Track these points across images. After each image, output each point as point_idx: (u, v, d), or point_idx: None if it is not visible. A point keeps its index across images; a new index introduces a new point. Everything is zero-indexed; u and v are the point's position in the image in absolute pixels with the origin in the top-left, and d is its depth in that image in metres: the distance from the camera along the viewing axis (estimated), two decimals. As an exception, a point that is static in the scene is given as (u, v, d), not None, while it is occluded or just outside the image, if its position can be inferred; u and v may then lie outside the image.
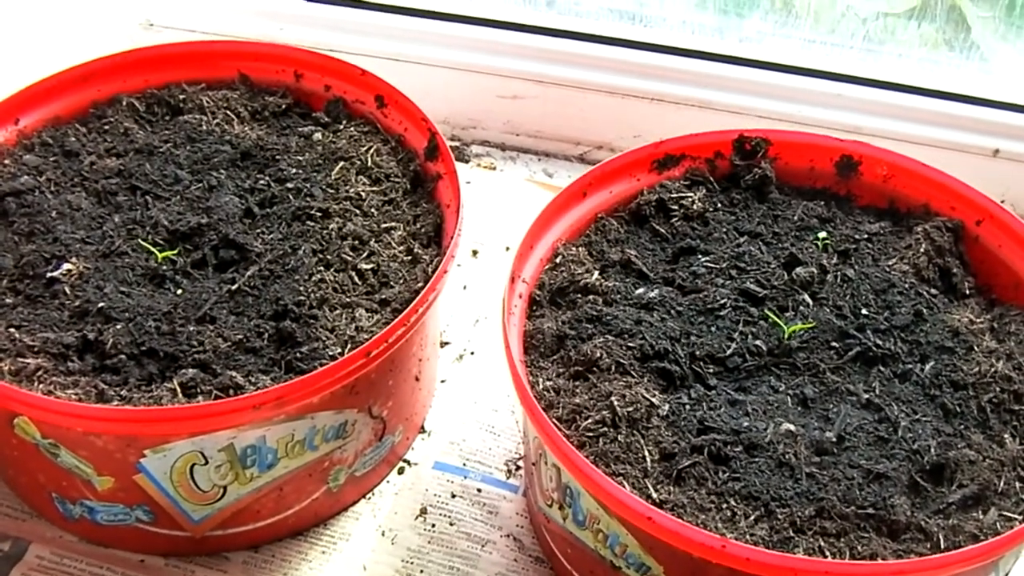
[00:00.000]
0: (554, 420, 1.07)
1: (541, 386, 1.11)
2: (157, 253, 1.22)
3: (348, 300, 1.20)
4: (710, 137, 1.34)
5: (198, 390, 1.10)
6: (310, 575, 1.21)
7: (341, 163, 1.35)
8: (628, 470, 1.03)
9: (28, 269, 1.20)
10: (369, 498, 1.28)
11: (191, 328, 1.15)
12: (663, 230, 1.28)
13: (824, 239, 1.26)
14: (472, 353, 1.45)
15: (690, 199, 1.29)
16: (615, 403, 1.07)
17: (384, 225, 1.29)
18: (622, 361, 1.12)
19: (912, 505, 1.02)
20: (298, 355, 1.13)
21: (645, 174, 1.33)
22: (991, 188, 1.31)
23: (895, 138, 1.57)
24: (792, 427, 1.07)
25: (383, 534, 1.25)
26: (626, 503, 0.97)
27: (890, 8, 1.64)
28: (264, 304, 1.19)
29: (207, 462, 1.10)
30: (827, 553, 0.98)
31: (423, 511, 1.27)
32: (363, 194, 1.31)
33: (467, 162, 1.75)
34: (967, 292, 1.23)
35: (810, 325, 1.16)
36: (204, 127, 1.39)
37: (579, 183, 1.28)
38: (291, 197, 1.30)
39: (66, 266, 1.20)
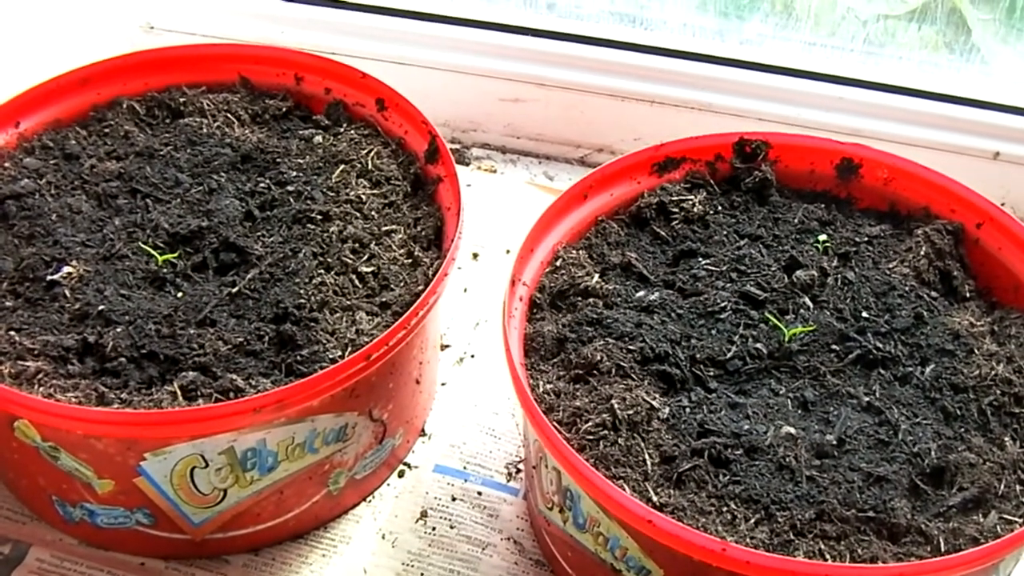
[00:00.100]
0: (554, 423, 1.07)
1: (541, 389, 1.11)
2: (157, 256, 1.22)
3: (348, 303, 1.20)
4: (710, 140, 1.34)
5: (198, 393, 1.10)
6: (310, 578, 1.21)
7: (341, 166, 1.35)
8: (628, 473, 1.03)
9: (28, 272, 1.20)
10: (369, 501, 1.28)
11: (191, 331, 1.15)
12: (663, 233, 1.28)
13: (824, 242, 1.26)
14: (472, 356, 1.45)
15: (690, 202, 1.29)
16: (615, 406, 1.07)
17: (384, 228, 1.29)
18: (622, 364, 1.12)
19: (912, 508, 1.02)
20: (298, 358, 1.13)
21: (645, 177, 1.33)
22: (991, 191, 1.31)
23: (895, 141, 1.57)
24: (792, 430, 1.07)
25: (383, 537, 1.25)
26: (626, 506, 0.97)
27: (890, 11, 1.64)
28: (264, 307, 1.19)
29: (207, 465, 1.10)
30: (827, 556, 0.98)
31: (423, 514, 1.27)
32: (363, 197, 1.31)
33: (467, 165, 1.75)
34: (967, 295, 1.23)
35: (810, 328, 1.16)
36: (204, 130, 1.39)
37: (580, 186, 1.28)
38: (291, 200, 1.30)
39: (66, 269, 1.20)
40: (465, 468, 1.32)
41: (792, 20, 1.68)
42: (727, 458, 1.05)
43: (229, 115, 1.42)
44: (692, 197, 1.30)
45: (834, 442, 1.06)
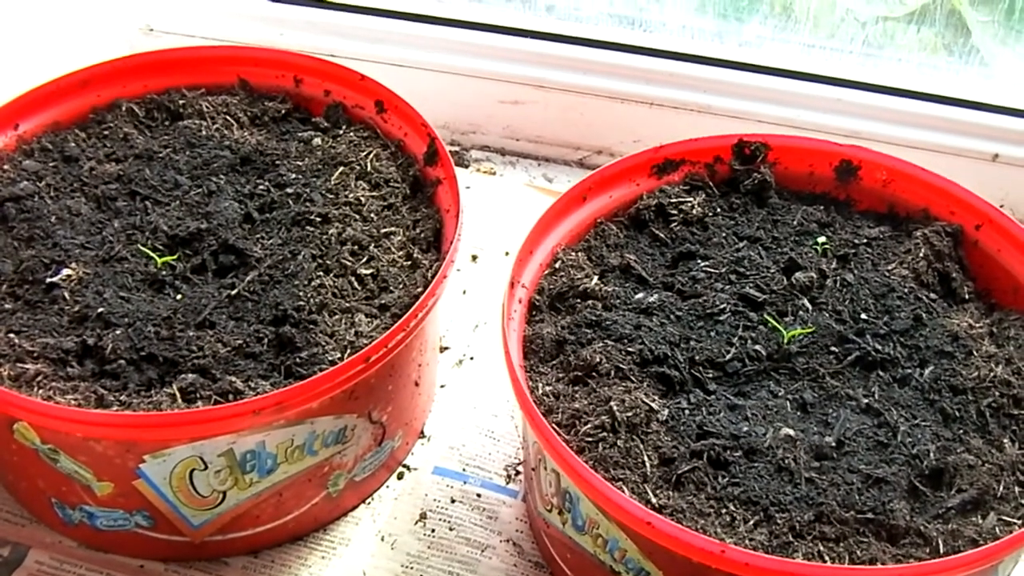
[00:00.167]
0: (553, 425, 1.07)
1: (540, 391, 1.11)
2: (157, 258, 1.22)
3: (348, 305, 1.20)
4: (710, 142, 1.34)
5: (198, 395, 1.10)
6: (310, 580, 1.21)
7: (341, 168, 1.35)
8: (627, 475, 1.03)
9: (27, 274, 1.20)
10: (369, 503, 1.28)
11: (191, 333, 1.15)
12: (662, 235, 1.28)
13: (823, 244, 1.26)
14: (471, 358, 1.45)
15: (689, 204, 1.30)
16: (614, 408, 1.07)
17: (384, 230, 1.29)
18: (621, 366, 1.12)
19: (911, 510, 1.02)
20: (298, 360, 1.13)
21: (645, 179, 1.33)
22: (990, 193, 1.31)
23: (894, 143, 1.57)
24: (791, 432, 1.07)
25: (383, 539, 1.25)
26: (625, 508, 0.97)
27: (890, 12, 1.64)
28: (264, 309, 1.19)
29: (207, 467, 1.10)
30: (826, 558, 0.98)
31: (423, 516, 1.27)
32: (363, 199, 1.31)
33: (467, 167, 1.75)
34: (966, 297, 1.23)
35: (809, 330, 1.16)
36: (204, 132, 1.39)
37: (579, 188, 1.28)
38: (291, 202, 1.30)
39: (65, 271, 1.20)
40: (464, 470, 1.32)
41: (791, 22, 1.68)
42: (726, 460, 1.05)
43: (228, 117, 1.42)
44: (691, 199, 1.30)
45: (833, 444, 1.06)
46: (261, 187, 1.32)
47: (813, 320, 1.18)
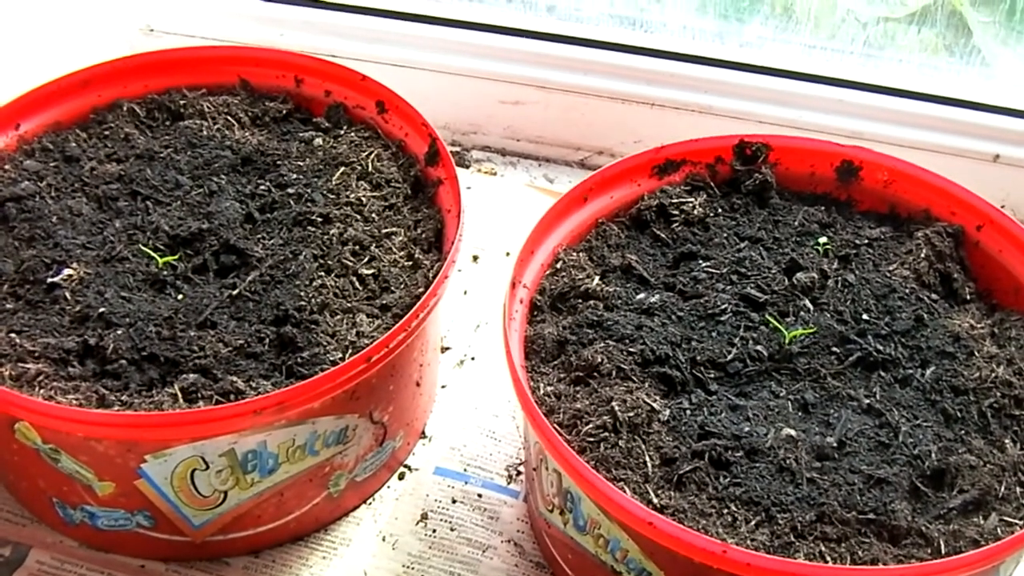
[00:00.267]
0: (555, 425, 1.07)
1: (542, 391, 1.11)
2: (158, 258, 1.22)
3: (349, 305, 1.20)
4: (711, 142, 1.34)
5: (199, 395, 1.10)
6: (311, 580, 1.21)
7: (342, 168, 1.35)
8: (629, 475, 1.03)
9: (29, 274, 1.20)
10: (370, 503, 1.28)
11: (192, 333, 1.15)
12: (664, 235, 1.28)
13: (825, 244, 1.26)
14: (473, 358, 1.45)
15: (691, 204, 1.30)
16: (616, 408, 1.07)
17: (385, 230, 1.29)
18: (623, 366, 1.12)
19: (913, 510, 1.02)
20: (299, 360, 1.13)
21: (646, 179, 1.33)
22: (992, 193, 1.31)
23: (896, 143, 1.57)
24: (793, 432, 1.07)
25: (384, 539, 1.25)
26: (627, 508, 0.97)
27: (891, 13, 1.64)
28: (265, 309, 1.19)
29: (208, 467, 1.10)
30: (828, 558, 0.98)
31: (424, 516, 1.27)
32: (364, 199, 1.31)
33: (468, 167, 1.75)
34: (968, 297, 1.23)
35: (811, 330, 1.16)
36: (205, 132, 1.39)
37: (580, 188, 1.28)
38: (292, 202, 1.30)
39: (67, 271, 1.20)
40: (465, 470, 1.31)
41: (792, 23, 1.68)
42: (728, 460, 1.05)
43: (229, 117, 1.42)
44: (692, 199, 1.30)
45: (834, 444, 1.06)
46: (262, 187, 1.32)
47: (814, 320, 1.18)
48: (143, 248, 1.23)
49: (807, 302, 1.20)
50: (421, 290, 1.21)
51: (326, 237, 1.26)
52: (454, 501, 1.28)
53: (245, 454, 1.10)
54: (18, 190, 1.28)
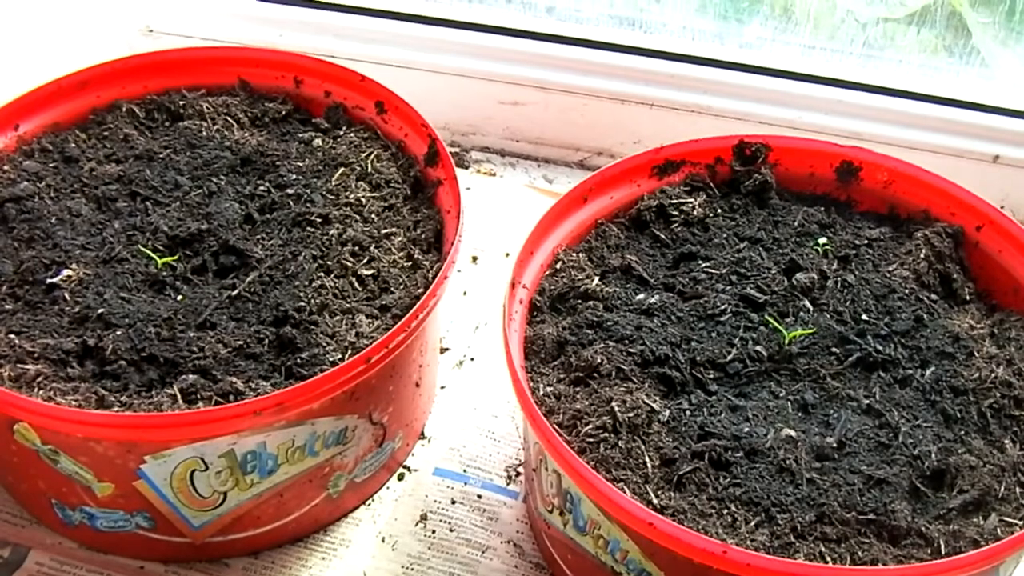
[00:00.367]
0: (555, 426, 1.06)
1: (542, 392, 1.11)
2: (157, 259, 1.22)
3: (348, 306, 1.20)
4: (710, 143, 1.34)
5: (198, 396, 1.10)
6: (310, 581, 1.21)
7: (341, 169, 1.35)
8: (629, 476, 1.03)
9: (28, 275, 1.20)
10: (369, 504, 1.28)
11: (191, 334, 1.15)
12: (663, 236, 1.28)
13: (824, 245, 1.26)
14: (472, 359, 1.45)
15: (690, 205, 1.29)
16: (616, 409, 1.07)
17: (384, 231, 1.29)
18: (623, 367, 1.11)
19: (913, 511, 1.02)
20: (298, 361, 1.13)
21: (645, 180, 1.33)
22: (991, 194, 1.31)
23: (895, 144, 1.57)
24: (793, 433, 1.07)
25: (383, 540, 1.25)
26: (627, 509, 0.97)
27: (890, 14, 1.64)
28: (264, 310, 1.19)
29: (207, 468, 1.10)
30: (828, 559, 0.98)
31: (423, 517, 1.27)
32: (363, 200, 1.31)
33: (467, 168, 1.75)
34: (967, 298, 1.23)
35: (810, 331, 1.16)
36: (204, 133, 1.39)
37: (580, 189, 1.28)
38: (291, 203, 1.30)
39: (66, 272, 1.20)
40: (465, 471, 1.31)
41: (791, 23, 1.68)
42: (727, 461, 1.05)
43: (228, 118, 1.42)
44: (692, 200, 1.30)
45: (834, 445, 1.06)
46: (262, 188, 1.32)
47: (814, 321, 1.18)
48: (142, 249, 1.23)
49: (807, 302, 1.20)
50: (421, 291, 1.21)
51: (325, 238, 1.26)
52: (453, 502, 1.28)
53: (244, 455, 1.10)
54: (17, 191, 1.28)
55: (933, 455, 1.06)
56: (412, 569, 1.22)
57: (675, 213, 1.29)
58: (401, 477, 1.31)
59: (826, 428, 1.09)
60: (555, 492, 1.09)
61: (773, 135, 1.35)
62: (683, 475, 1.04)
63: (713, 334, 1.16)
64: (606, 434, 1.06)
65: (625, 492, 1.01)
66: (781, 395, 1.12)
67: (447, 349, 1.45)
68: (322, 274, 1.22)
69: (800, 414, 1.10)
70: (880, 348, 1.15)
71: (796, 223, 1.29)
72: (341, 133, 1.41)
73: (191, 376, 1.11)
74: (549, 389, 1.11)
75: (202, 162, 1.35)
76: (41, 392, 1.09)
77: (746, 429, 1.07)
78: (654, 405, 1.09)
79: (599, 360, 1.11)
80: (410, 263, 1.26)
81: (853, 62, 1.67)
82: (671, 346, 1.14)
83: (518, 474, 1.31)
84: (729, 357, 1.14)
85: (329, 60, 1.46)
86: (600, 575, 1.07)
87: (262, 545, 1.22)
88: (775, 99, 1.65)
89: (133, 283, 1.20)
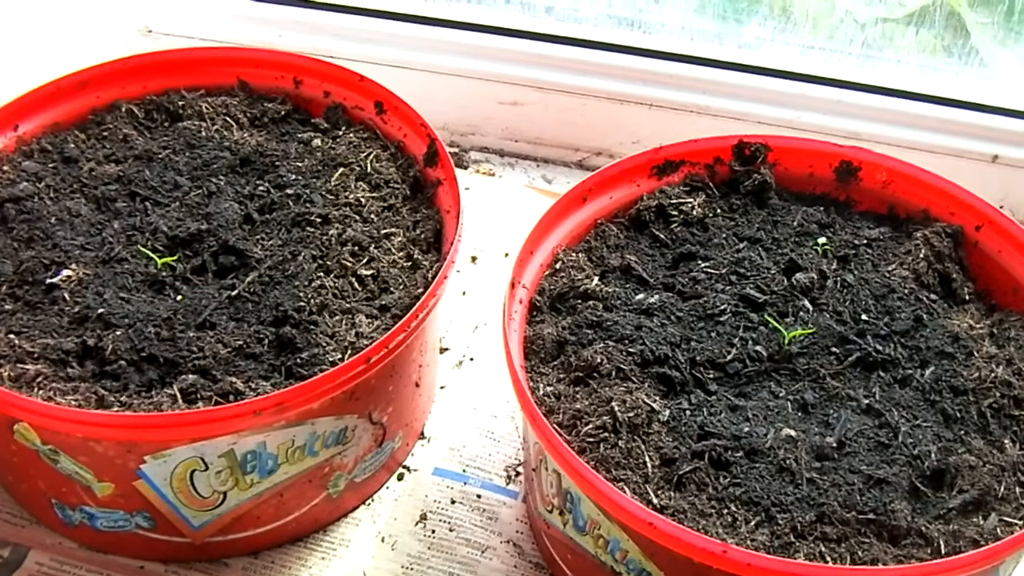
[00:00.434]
0: (554, 426, 1.06)
1: (541, 392, 1.11)
2: (157, 259, 1.22)
3: (348, 306, 1.20)
4: (709, 143, 1.34)
5: (198, 396, 1.10)
6: (310, 581, 1.21)
7: (340, 169, 1.35)
8: (629, 475, 1.03)
9: (27, 275, 1.20)
10: (369, 504, 1.28)
11: (191, 334, 1.15)
12: (663, 236, 1.28)
13: (824, 245, 1.26)
14: (471, 359, 1.45)
15: (690, 205, 1.30)
16: (616, 408, 1.07)
17: (384, 231, 1.29)
18: (622, 367, 1.11)
19: (913, 510, 1.02)
20: (298, 361, 1.13)
21: (645, 180, 1.33)
22: (990, 194, 1.31)
23: (894, 144, 1.57)
24: (792, 432, 1.07)
25: (383, 540, 1.25)
26: (627, 509, 0.97)
27: (889, 14, 1.64)
28: (264, 310, 1.19)
29: (207, 468, 1.10)
30: (828, 558, 0.98)
31: (423, 517, 1.27)
32: (363, 200, 1.31)
33: (466, 168, 1.75)
34: (966, 297, 1.23)
35: (810, 331, 1.16)
36: (203, 133, 1.39)
37: (579, 189, 1.28)
38: (291, 203, 1.30)
39: (65, 272, 1.20)
40: (464, 471, 1.31)
41: (790, 24, 1.68)
42: (727, 460, 1.05)
43: (228, 118, 1.42)
44: (691, 200, 1.30)
45: (834, 444, 1.06)
46: (261, 188, 1.32)
47: (814, 321, 1.18)
48: (142, 249, 1.23)
49: (806, 302, 1.20)
50: (420, 291, 1.21)
51: (325, 238, 1.26)
52: (453, 502, 1.28)
53: (244, 455, 1.10)
54: (17, 191, 1.28)
55: (933, 455, 1.06)
56: (412, 569, 1.22)
57: (674, 213, 1.29)
58: (401, 477, 1.31)
59: (826, 428, 1.09)
60: (555, 492, 1.09)
61: (772, 135, 1.35)
62: (683, 475, 1.04)
63: (713, 334, 1.16)
64: (606, 434, 1.06)
65: (625, 492, 1.01)
66: (781, 395, 1.12)
67: (447, 349, 1.45)
68: (322, 274, 1.22)
69: (800, 414, 1.10)
70: (880, 348, 1.15)
71: (795, 223, 1.29)
72: (340, 133, 1.41)
73: (191, 376, 1.11)
74: (549, 389, 1.11)
75: (201, 162, 1.35)
76: (41, 392, 1.09)
77: (746, 429, 1.07)
78: (654, 405, 1.09)
79: (599, 360, 1.11)
80: (410, 263, 1.26)
81: (852, 62, 1.67)
82: (671, 346, 1.14)
83: (518, 474, 1.31)
84: (729, 357, 1.14)
85: (328, 60, 1.46)
86: (600, 575, 1.07)
87: (262, 545, 1.22)
88: (774, 99, 1.65)
89: (133, 283, 1.20)
